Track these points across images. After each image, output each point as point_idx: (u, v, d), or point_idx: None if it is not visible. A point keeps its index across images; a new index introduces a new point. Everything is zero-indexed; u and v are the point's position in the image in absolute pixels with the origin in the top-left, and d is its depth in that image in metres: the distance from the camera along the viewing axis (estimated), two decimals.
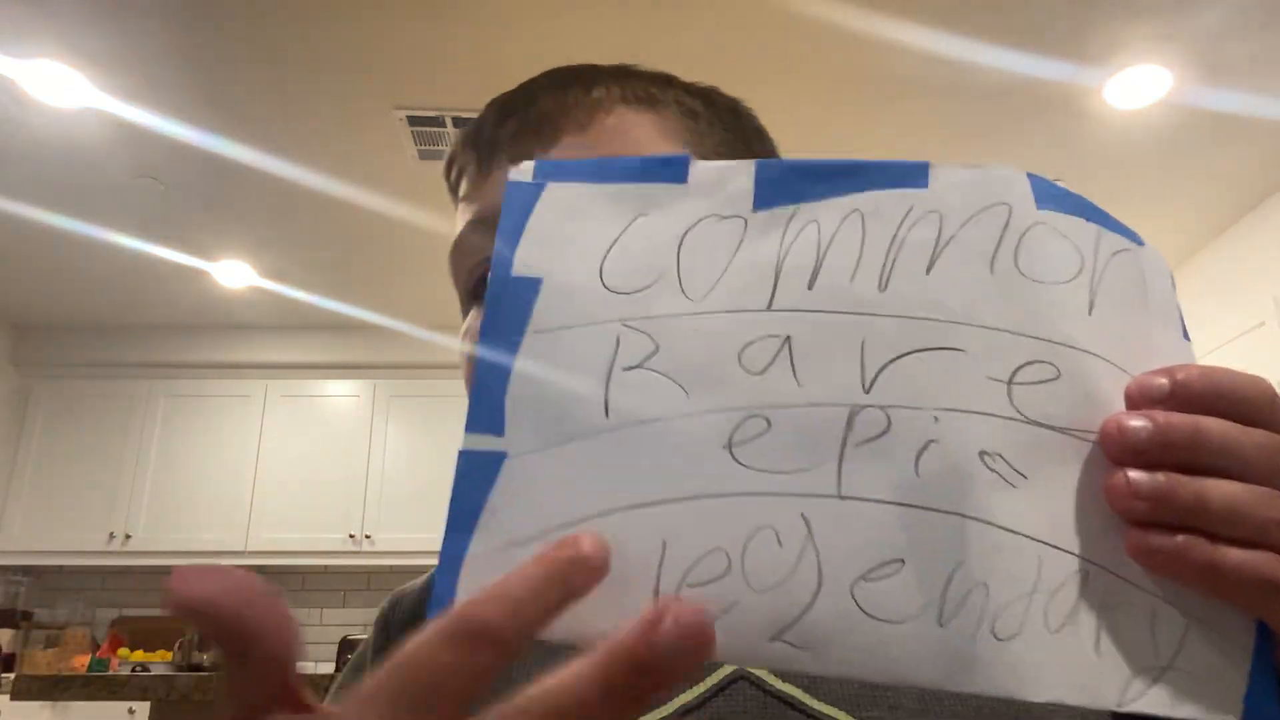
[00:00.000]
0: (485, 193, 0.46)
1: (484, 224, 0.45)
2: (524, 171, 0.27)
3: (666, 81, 0.49)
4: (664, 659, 0.20)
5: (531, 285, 0.26)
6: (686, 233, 0.26)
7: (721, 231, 0.26)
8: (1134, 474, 0.24)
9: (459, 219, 0.48)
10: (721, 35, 2.48)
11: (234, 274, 3.81)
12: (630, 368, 0.25)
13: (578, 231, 0.26)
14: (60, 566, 4.13)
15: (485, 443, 0.24)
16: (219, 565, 0.22)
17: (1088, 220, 0.28)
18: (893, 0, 2.33)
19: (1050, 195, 0.27)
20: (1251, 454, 0.25)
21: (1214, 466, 0.25)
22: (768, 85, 2.68)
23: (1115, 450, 0.25)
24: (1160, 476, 0.24)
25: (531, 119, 0.45)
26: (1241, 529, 0.24)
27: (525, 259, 0.26)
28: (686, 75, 0.52)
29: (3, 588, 4.08)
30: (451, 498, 0.24)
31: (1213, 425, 0.25)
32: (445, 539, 0.24)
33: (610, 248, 0.26)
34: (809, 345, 0.25)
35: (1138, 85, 2.65)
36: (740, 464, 0.24)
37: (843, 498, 0.23)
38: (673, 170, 0.27)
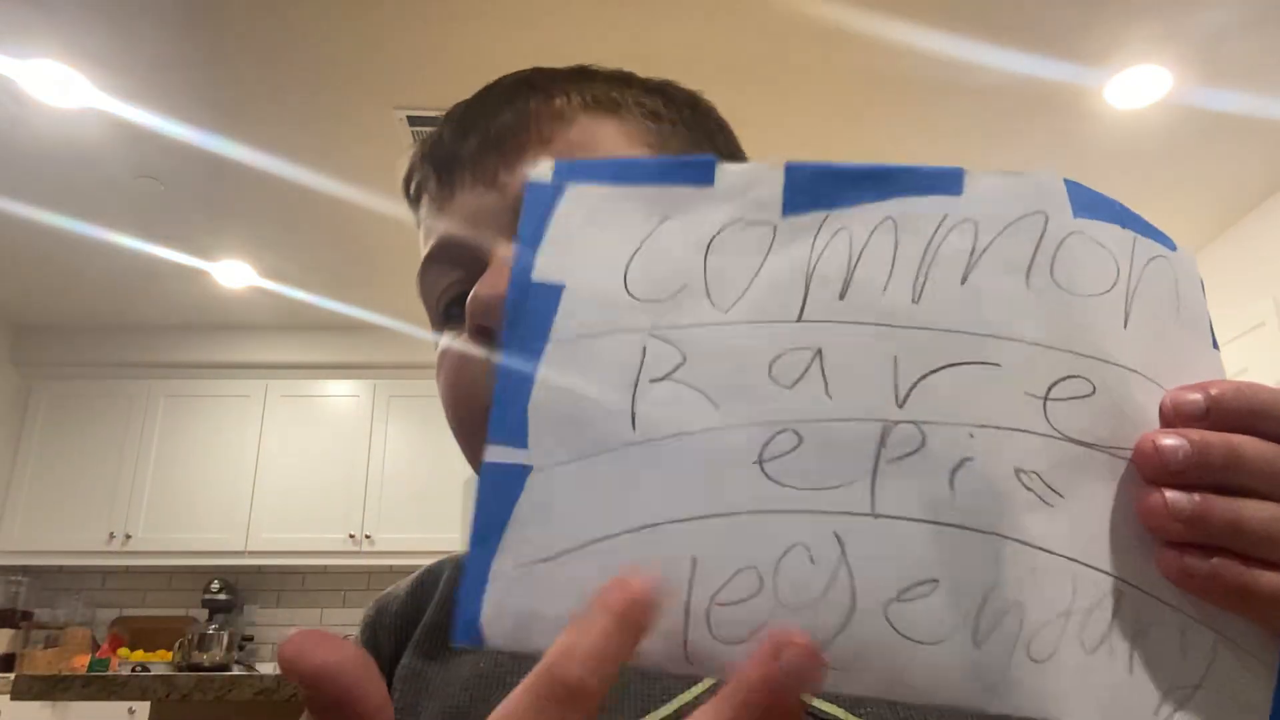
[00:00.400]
0: (449, 216, 0.45)
1: (449, 251, 0.44)
2: (543, 172, 0.26)
3: (625, 82, 0.47)
4: (793, 678, 0.20)
5: (553, 292, 0.25)
6: (713, 238, 0.26)
7: (750, 238, 0.26)
8: (1170, 494, 0.24)
9: (423, 240, 0.47)
10: (721, 35, 2.48)
11: (234, 274, 3.81)
12: (657, 379, 0.24)
13: (600, 235, 0.26)
14: (60, 566, 4.13)
15: (509, 455, 0.24)
16: (330, 634, 0.22)
17: (1124, 226, 0.27)
18: (893, 0, 2.33)
19: (1087, 202, 0.27)
20: None
21: (1249, 487, 0.24)
22: (768, 85, 2.68)
23: (1151, 470, 0.25)
24: (1197, 498, 0.24)
25: (492, 134, 0.44)
26: (1277, 551, 0.24)
27: (547, 264, 0.25)
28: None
29: (3, 588, 4.08)
30: (475, 510, 0.23)
31: (1249, 445, 0.25)
32: (470, 553, 0.23)
33: (634, 253, 0.25)
34: (841, 358, 0.24)
35: (1138, 85, 2.65)
36: (771, 480, 0.23)
37: (876, 516, 0.23)
38: (699, 172, 0.26)
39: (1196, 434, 0.25)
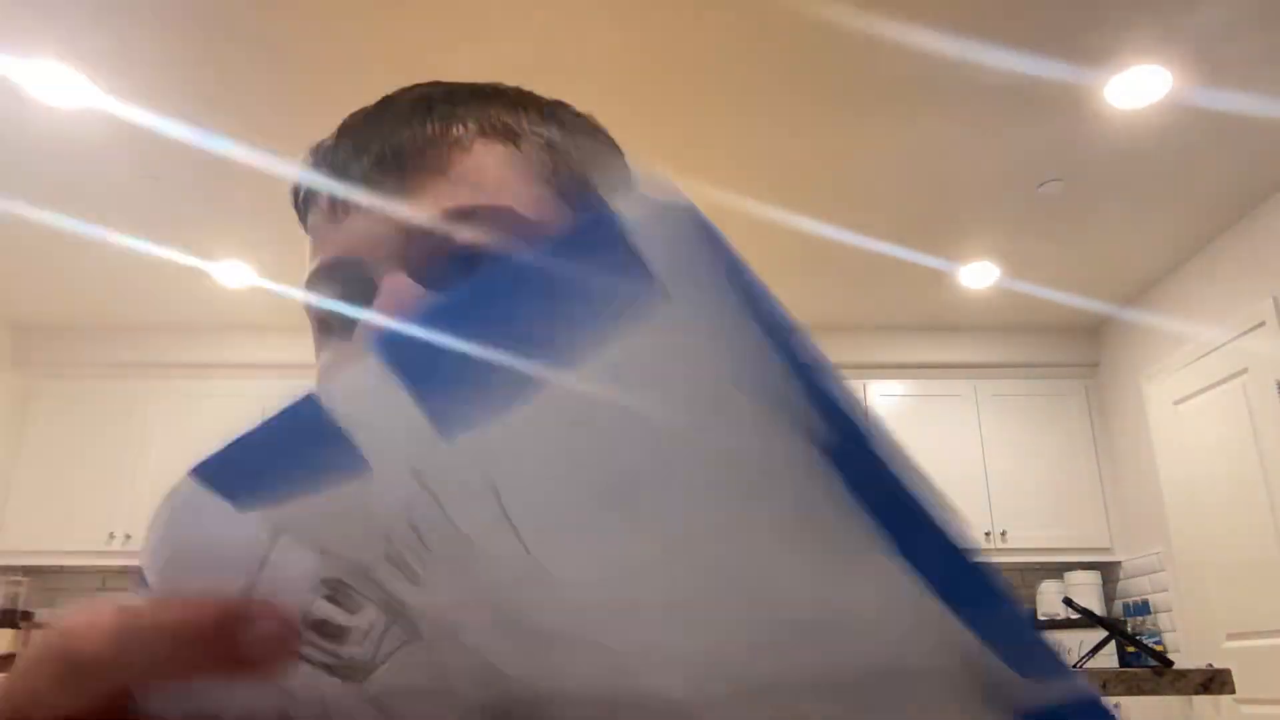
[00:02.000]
0: (339, 236, 0.44)
1: (335, 271, 0.43)
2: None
3: (522, 105, 0.47)
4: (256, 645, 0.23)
5: None
6: None
7: None
8: None
9: (310, 254, 0.46)
10: (722, 36, 2.48)
11: (234, 274, 3.81)
12: None
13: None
14: (60, 566, 4.12)
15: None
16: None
17: None
18: (893, 0, 2.33)
19: None
20: None
21: None
22: (768, 86, 2.68)
23: None
24: None
25: (388, 157, 0.43)
26: None
27: None
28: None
29: (3, 588, 4.08)
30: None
31: None
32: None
33: None
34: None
35: (1138, 85, 2.65)
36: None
37: None
38: None
39: None
